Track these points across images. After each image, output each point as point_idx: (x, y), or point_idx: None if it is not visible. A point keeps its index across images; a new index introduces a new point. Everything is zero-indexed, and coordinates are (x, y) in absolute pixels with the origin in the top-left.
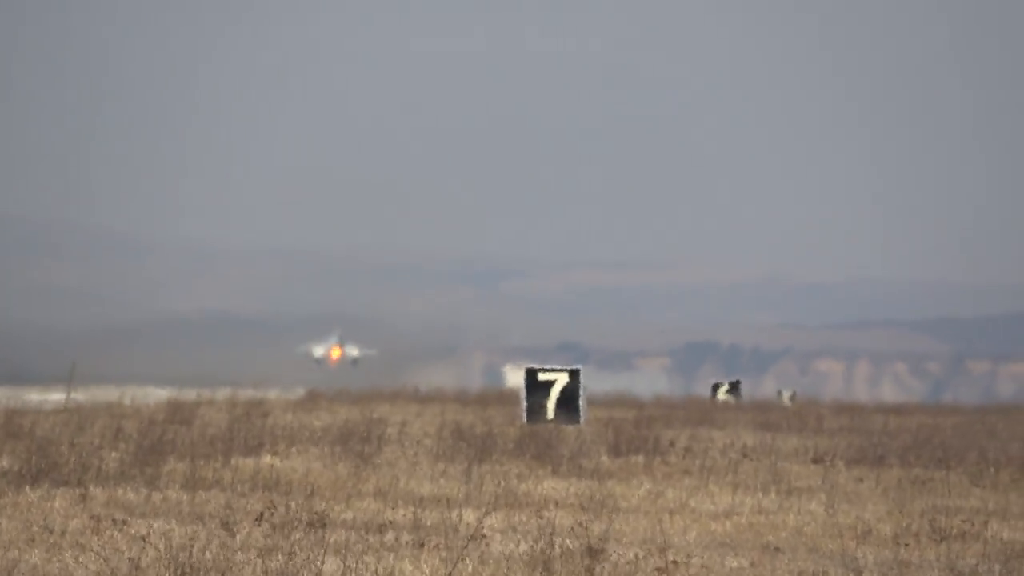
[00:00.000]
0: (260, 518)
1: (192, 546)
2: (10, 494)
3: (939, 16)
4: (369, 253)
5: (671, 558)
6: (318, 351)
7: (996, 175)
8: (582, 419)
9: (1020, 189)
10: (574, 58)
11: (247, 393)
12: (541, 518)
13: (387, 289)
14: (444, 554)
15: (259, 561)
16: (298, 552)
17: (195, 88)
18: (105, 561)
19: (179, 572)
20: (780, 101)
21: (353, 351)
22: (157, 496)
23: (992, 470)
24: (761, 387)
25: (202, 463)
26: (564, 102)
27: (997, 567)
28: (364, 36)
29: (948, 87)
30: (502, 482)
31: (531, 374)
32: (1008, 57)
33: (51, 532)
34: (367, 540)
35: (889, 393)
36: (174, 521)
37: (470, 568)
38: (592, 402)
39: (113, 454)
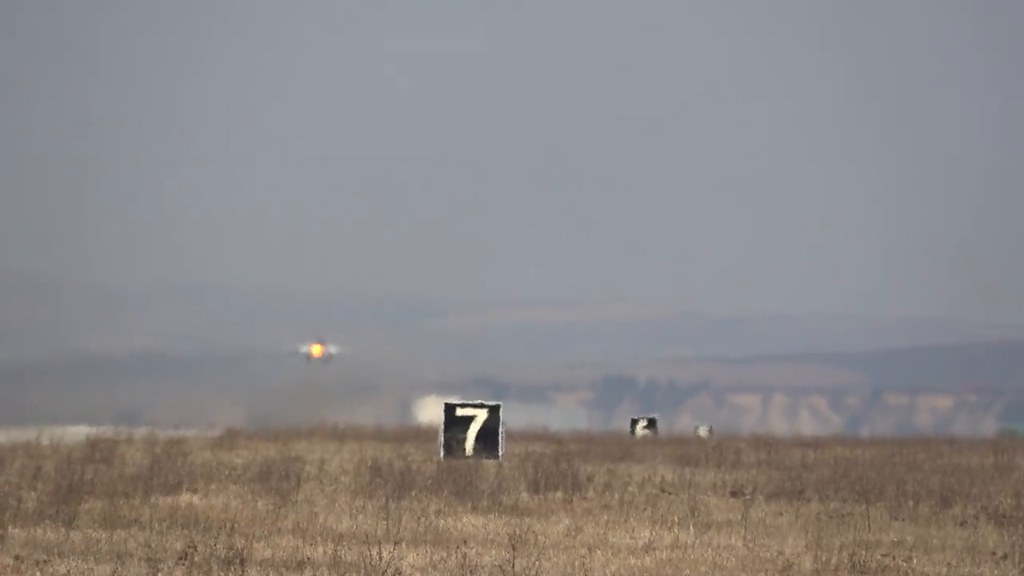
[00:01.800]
0: (184, 556)
1: None
2: None
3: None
4: (286, 290)
5: None
6: (303, 348)
7: (915, 208)
8: (501, 454)
9: (937, 223)
10: (491, 84)
11: (167, 432)
12: (461, 555)
13: (303, 326)
14: None
15: None
16: None
17: (112, 124)
18: None
19: None
20: (695, 132)
21: (331, 348)
22: (76, 535)
23: (911, 503)
24: (678, 421)
25: (122, 501)
26: (479, 136)
27: None
28: (290, 79)
29: (865, 116)
30: (421, 518)
31: (450, 409)
32: (952, 94)
33: None
34: None
35: (807, 426)
36: (92, 560)
37: None
38: (510, 437)
39: (31, 493)
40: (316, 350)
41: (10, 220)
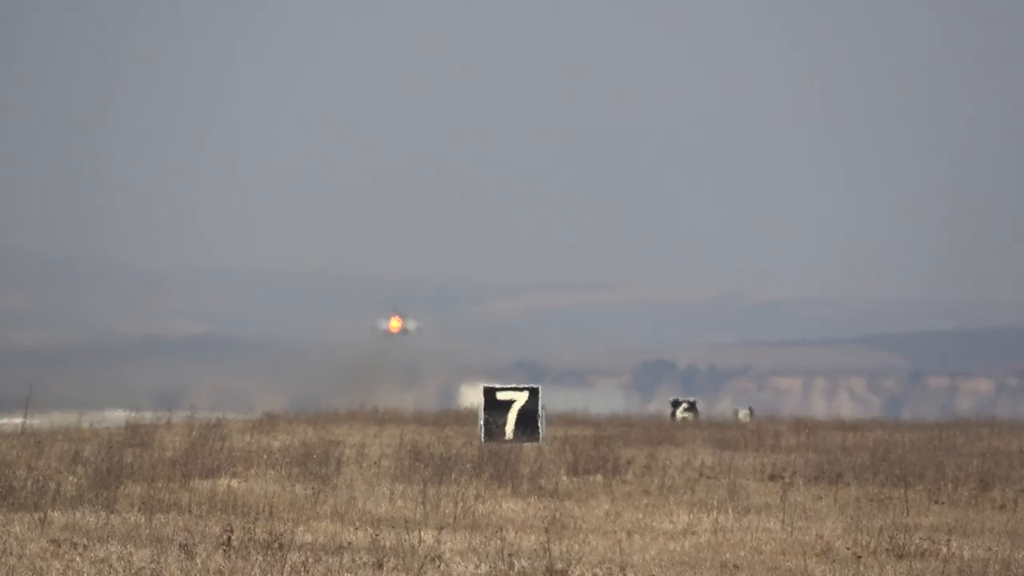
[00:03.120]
0: (223, 541)
1: (152, 569)
2: None
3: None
4: (322, 274)
5: None
6: (383, 324)
7: (953, 193)
8: (541, 438)
9: (976, 207)
10: (526, 73)
11: (205, 415)
12: (500, 539)
13: (340, 311)
14: (403, 575)
15: None
16: (258, 574)
17: (149, 102)
18: None
19: None
20: (736, 118)
21: (410, 324)
22: (116, 519)
23: (951, 487)
24: (718, 405)
25: (160, 485)
26: (514, 125)
27: None
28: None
29: (906, 104)
30: (460, 503)
31: (489, 393)
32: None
33: (10, 556)
34: (326, 562)
35: (847, 409)
36: (132, 545)
37: None
38: (550, 421)
39: (71, 478)
40: (395, 324)
41: (48, 208)
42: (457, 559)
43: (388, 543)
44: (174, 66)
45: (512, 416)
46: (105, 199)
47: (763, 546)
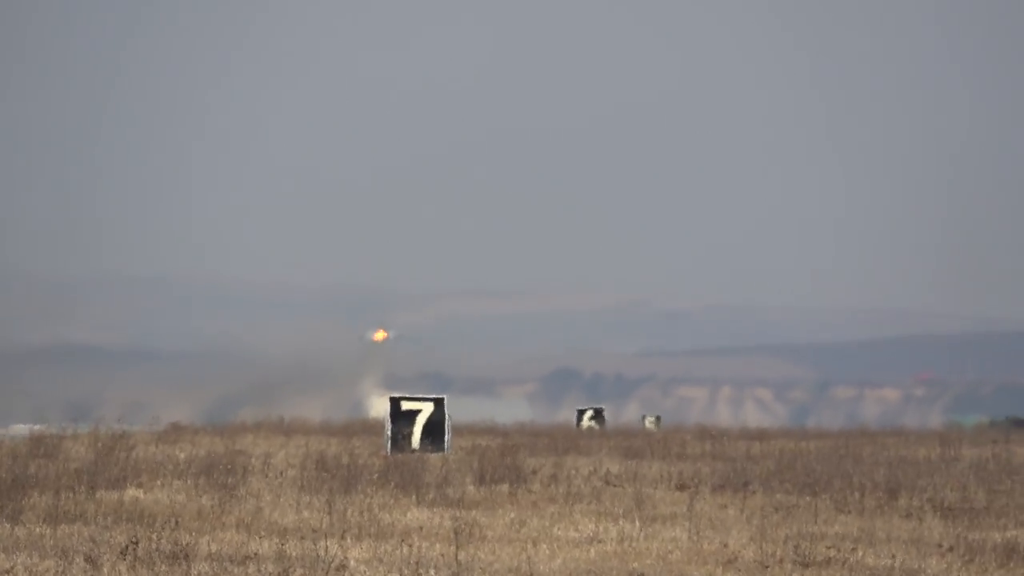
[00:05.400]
0: (128, 551)
1: None
2: None
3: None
4: (227, 283)
5: None
6: (368, 335)
7: (858, 200)
8: (447, 447)
9: (882, 214)
10: (442, 87)
11: (112, 426)
12: (406, 548)
13: (250, 319)
14: None
15: None
16: None
17: (53, 117)
18: None
19: None
20: (644, 124)
21: (392, 333)
22: (21, 531)
23: (857, 495)
24: (625, 413)
25: (66, 497)
26: (427, 131)
27: None
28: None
29: (813, 108)
30: (366, 512)
31: (395, 403)
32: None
33: None
34: (231, 572)
35: (753, 418)
36: (37, 556)
37: None
38: (457, 430)
39: None
40: (380, 335)
41: None
42: (363, 568)
43: (294, 553)
44: (59, 73)
45: (418, 426)
46: (13, 206)
47: (669, 555)
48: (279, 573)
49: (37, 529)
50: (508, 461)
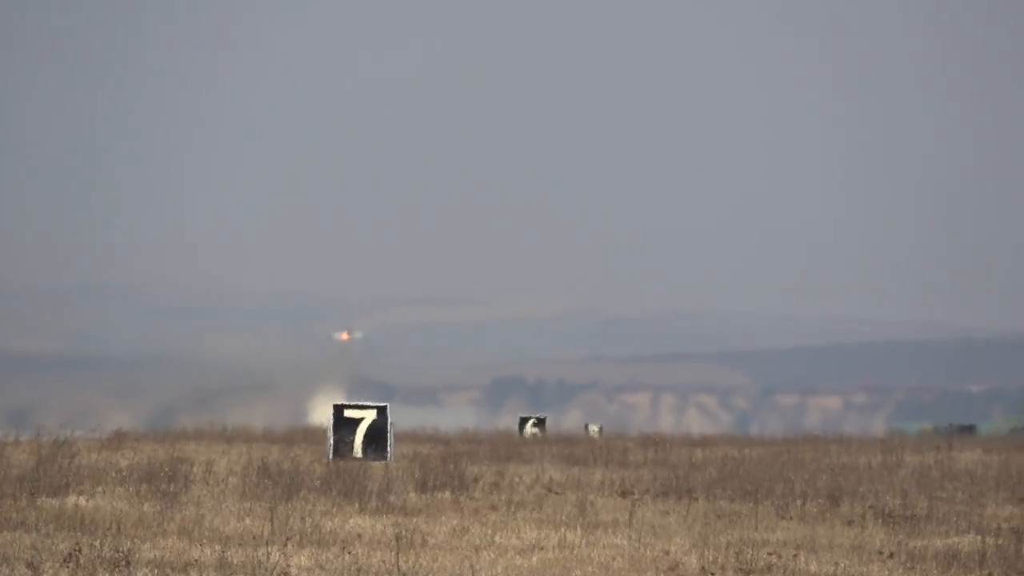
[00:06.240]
0: (69, 558)
1: None
2: None
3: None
4: (176, 289)
5: None
6: (336, 335)
7: (801, 207)
8: (390, 455)
9: (825, 223)
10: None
11: (53, 433)
12: (348, 555)
13: (193, 326)
14: None
15: None
16: None
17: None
18: None
19: None
20: (588, 135)
21: (357, 334)
22: None
23: (799, 502)
24: (568, 420)
25: (6, 504)
26: (372, 143)
27: None
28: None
29: (755, 113)
30: (308, 519)
31: (338, 411)
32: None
33: None
34: None
35: (696, 425)
36: None
37: None
38: (399, 439)
39: None
40: (346, 336)
41: None
42: (304, 575)
43: (236, 560)
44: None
45: (361, 433)
46: None
47: (611, 562)
48: None
49: None
50: (450, 468)
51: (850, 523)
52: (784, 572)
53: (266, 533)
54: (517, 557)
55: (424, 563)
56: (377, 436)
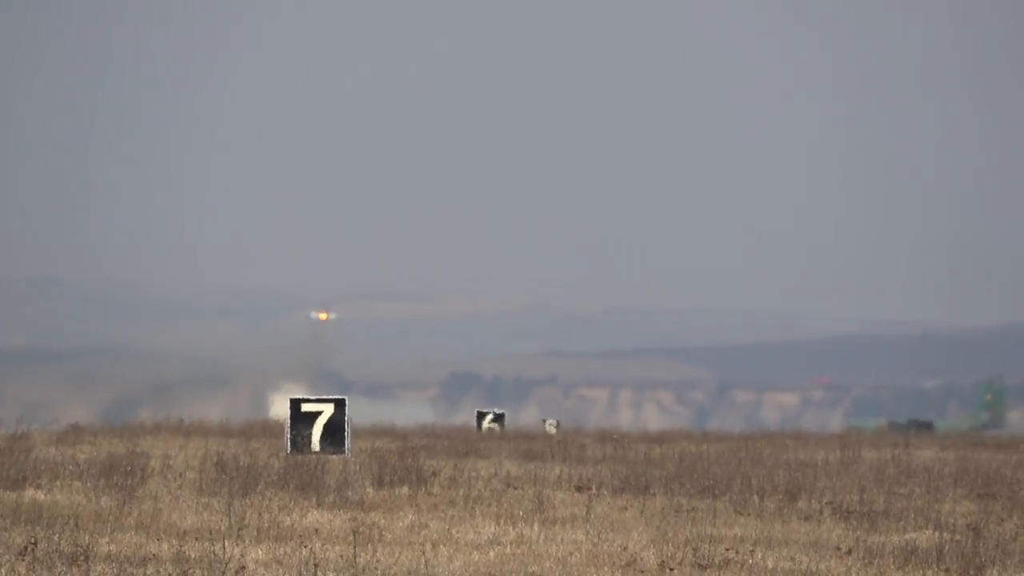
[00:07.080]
0: (26, 552)
1: None
2: None
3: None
4: (134, 284)
5: None
6: (314, 315)
7: (757, 203)
8: (347, 450)
9: (781, 219)
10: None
11: (10, 427)
12: (306, 550)
13: (150, 319)
14: None
15: None
16: None
17: None
18: None
19: None
20: (539, 132)
21: (332, 315)
22: None
23: (757, 498)
24: (525, 415)
25: None
26: (335, 142)
27: None
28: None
29: (715, 110)
30: (265, 514)
31: (295, 405)
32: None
33: None
34: (130, 573)
35: (653, 421)
36: None
37: None
38: (356, 434)
39: None
40: (323, 316)
41: None
42: (261, 570)
43: (193, 554)
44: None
45: (318, 428)
46: None
47: (569, 557)
48: (178, 574)
49: None
50: (408, 463)
51: (808, 519)
52: (742, 568)
53: (223, 528)
54: (475, 552)
55: (381, 558)
56: (335, 430)
